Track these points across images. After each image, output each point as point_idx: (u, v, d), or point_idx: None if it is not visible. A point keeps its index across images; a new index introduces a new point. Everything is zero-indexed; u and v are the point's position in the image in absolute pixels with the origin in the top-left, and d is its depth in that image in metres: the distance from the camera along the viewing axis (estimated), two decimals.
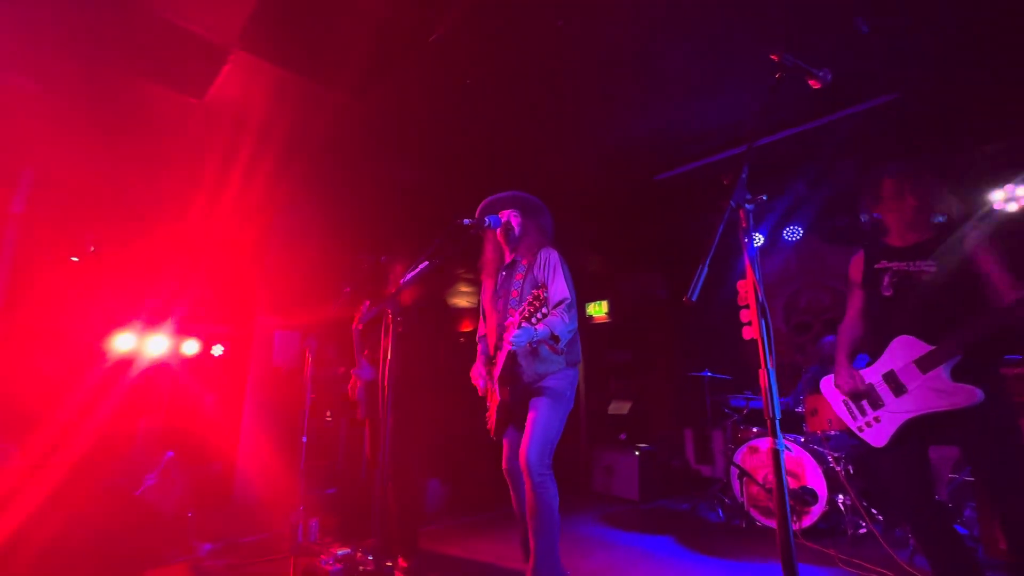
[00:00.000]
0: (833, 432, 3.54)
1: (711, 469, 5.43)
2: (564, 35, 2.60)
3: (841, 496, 3.38)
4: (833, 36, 2.80)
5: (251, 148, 3.43)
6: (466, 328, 7.03)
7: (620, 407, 5.97)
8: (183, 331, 4.35)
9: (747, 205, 1.13)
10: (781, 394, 4.45)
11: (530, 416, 2.21)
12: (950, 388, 1.80)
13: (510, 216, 2.45)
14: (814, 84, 1.44)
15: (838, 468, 3.35)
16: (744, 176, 1.13)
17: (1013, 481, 1.71)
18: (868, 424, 2.04)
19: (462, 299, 6.90)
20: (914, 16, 2.69)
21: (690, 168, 4.37)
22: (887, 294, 2.02)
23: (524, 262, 2.40)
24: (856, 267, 2.21)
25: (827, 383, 2.24)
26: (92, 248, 4.30)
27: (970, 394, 1.76)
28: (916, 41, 2.89)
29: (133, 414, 3.97)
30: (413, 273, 2.05)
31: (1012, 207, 3.70)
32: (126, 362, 4.01)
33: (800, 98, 3.35)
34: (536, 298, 1.90)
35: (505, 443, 2.40)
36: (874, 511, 3.40)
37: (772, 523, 3.54)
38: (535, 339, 2.09)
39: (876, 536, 3.09)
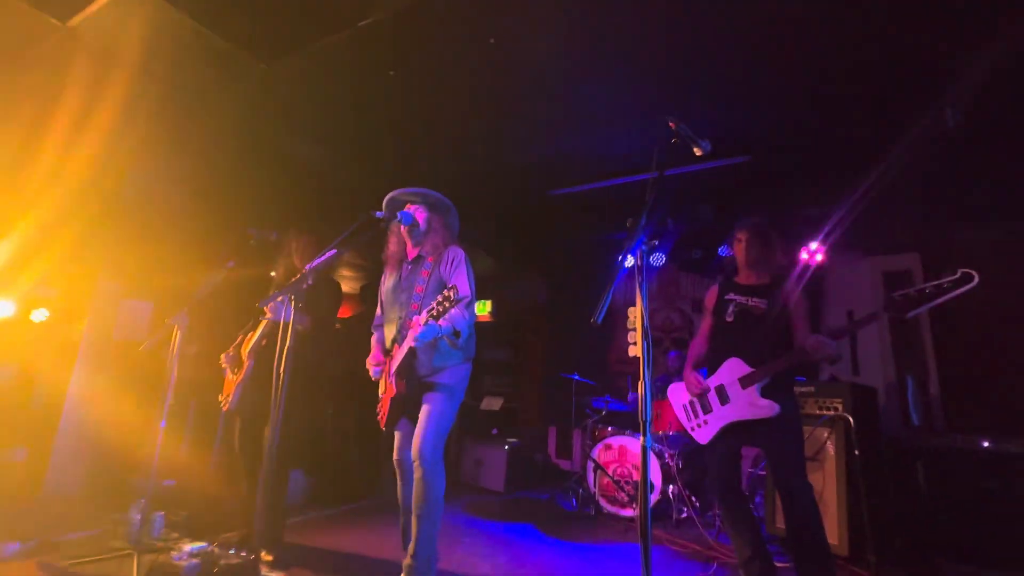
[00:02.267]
0: (671, 433, 4.19)
1: (569, 463, 5.98)
2: (493, 52, 2.74)
3: (672, 486, 4.01)
4: (709, 104, 3.35)
5: (120, 90, 2.96)
6: (344, 315, 6.77)
7: (493, 403, 6.27)
8: None
9: (643, 246, 1.37)
10: (629, 400, 5.12)
11: (424, 409, 2.29)
12: (758, 402, 2.33)
13: (416, 211, 2.49)
14: (697, 151, 1.78)
15: (672, 463, 3.98)
16: (644, 222, 1.37)
17: (792, 472, 2.27)
18: (698, 425, 2.56)
19: (343, 284, 6.62)
20: (762, 100, 3.34)
21: (583, 189, 4.79)
22: (729, 320, 2.53)
23: (430, 259, 2.45)
24: (711, 297, 2.71)
25: (674, 390, 2.72)
26: None
27: (771, 408, 2.29)
28: (763, 118, 3.58)
29: None
30: (320, 260, 2.01)
31: (817, 258, 4.74)
32: None
33: (674, 146, 3.91)
34: (446, 298, 1.98)
35: (397, 435, 2.45)
36: (694, 499, 4.10)
37: (617, 510, 4.07)
38: (439, 335, 2.19)
39: (694, 519, 3.75)
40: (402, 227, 2.47)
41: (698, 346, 2.70)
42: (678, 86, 3.16)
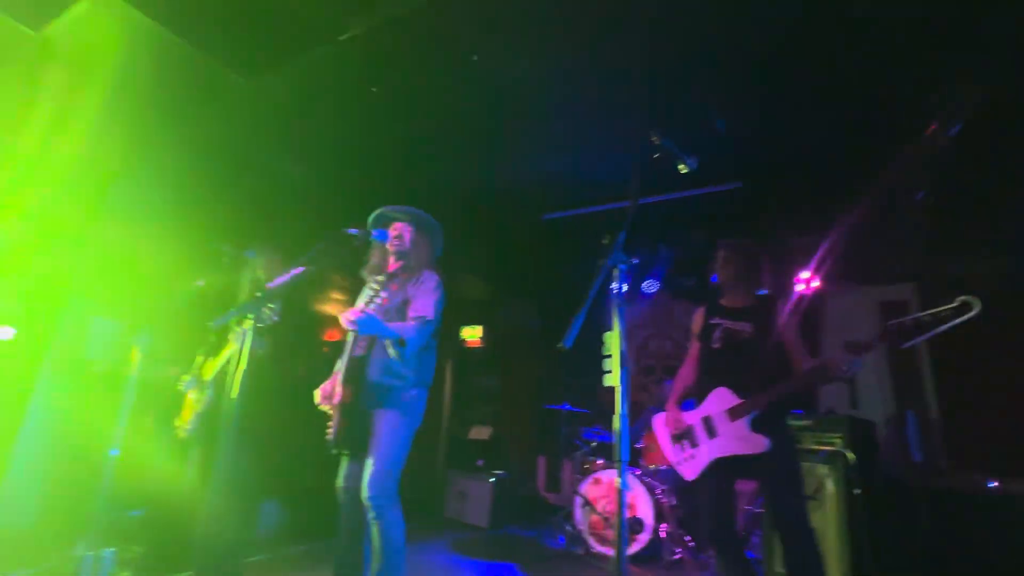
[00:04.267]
0: (663, 467, 3.99)
1: (557, 497, 5.72)
2: (478, 69, 2.69)
3: (664, 525, 3.79)
4: (701, 128, 3.31)
5: (95, 101, 2.89)
6: (332, 338, 6.60)
7: (481, 432, 6.04)
8: None
9: (621, 266, 1.26)
10: None
11: (373, 437, 2.12)
12: (748, 436, 2.16)
13: (403, 229, 2.41)
14: (682, 168, 1.69)
15: (664, 500, 3.78)
16: (621, 240, 1.26)
17: (791, 513, 2.11)
18: (686, 459, 2.38)
19: (333, 306, 6.48)
20: (754, 126, 3.30)
21: (576, 213, 4.73)
22: (716, 347, 2.38)
23: (404, 275, 2.37)
24: (697, 320, 2.56)
25: (658, 421, 2.56)
26: None
27: (760, 443, 2.12)
28: (755, 145, 3.54)
29: None
30: (285, 278, 1.89)
31: (803, 288, 4.65)
32: None
33: (667, 172, 3.86)
34: (379, 283, 1.88)
35: (346, 457, 2.26)
36: (687, 538, 3.88)
37: (607, 550, 3.83)
38: (381, 334, 2.06)
39: (687, 561, 3.53)
40: (387, 243, 2.38)
41: (685, 375, 2.55)
42: (669, 109, 3.11)
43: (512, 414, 6.36)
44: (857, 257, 4.35)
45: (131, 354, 2.66)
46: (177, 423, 2.81)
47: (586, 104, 3.11)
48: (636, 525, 3.74)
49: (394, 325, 2.04)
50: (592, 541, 3.93)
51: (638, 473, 4.01)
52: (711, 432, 2.28)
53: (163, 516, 3.55)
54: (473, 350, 6.62)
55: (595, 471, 4.17)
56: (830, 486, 3.10)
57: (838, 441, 3.15)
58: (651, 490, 3.87)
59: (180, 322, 3.04)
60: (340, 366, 2.40)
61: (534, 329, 6.67)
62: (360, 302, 2.38)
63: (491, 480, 4.84)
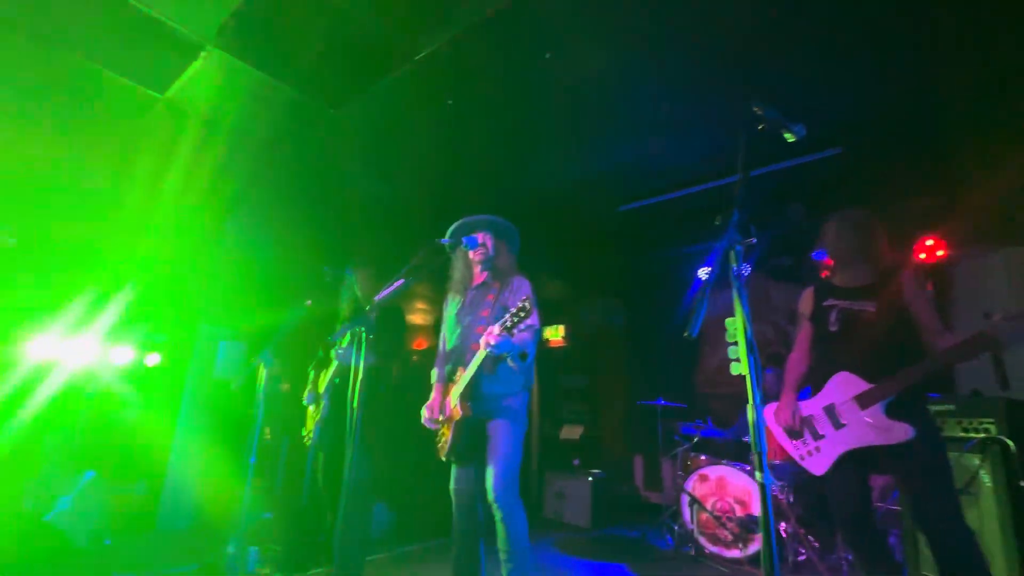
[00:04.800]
0: (777, 461, 3.71)
1: (659, 496, 5.54)
2: (549, 67, 2.68)
3: (783, 524, 3.53)
4: (790, 94, 3.05)
5: (211, 147, 3.26)
6: (419, 346, 6.89)
7: (572, 432, 6.00)
8: (114, 337, 3.99)
9: (737, 247, 1.18)
10: (726, 425, 4.65)
11: (491, 445, 2.17)
12: (885, 425, 1.94)
13: (485, 238, 2.46)
14: (789, 137, 1.56)
15: (781, 496, 3.51)
16: (735, 218, 1.19)
17: (943, 512, 1.85)
18: (809, 453, 2.17)
19: (417, 316, 6.78)
20: (851, 83, 2.98)
21: (653, 202, 4.56)
22: (833, 330, 2.16)
23: (496, 284, 2.41)
24: (806, 302, 2.34)
25: (769, 412, 2.34)
26: (12, 241, 3.90)
27: (904, 431, 1.89)
28: (858, 104, 3.20)
29: (50, 429, 3.57)
30: (389, 291, 2.00)
31: (926, 256, 4.12)
32: (45, 369, 3.62)
33: (763, 136, 3.61)
34: (521, 309, 1.92)
35: (456, 467, 2.34)
36: (810, 538, 3.57)
37: (721, 550, 3.63)
38: (510, 352, 2.09)
39: (814, 561, 3.25)
40: (469, 252, 2.45)
41: (797, 360, 2.33)
42: (752, 75, 2.88)
43: (603, 412, 6.26)
44: (989, 215, 3.79)
45: (257, 372, 2.94)
46: (303, 432, 3.07)
47: (660, 86, 2.99)
48: (753, 524, 3.52)
49: (517, 339, 2.08)
50: (704, 541, 3.74)
51: (748, 469, 3.77)
52: (836, 422, 2.07)
53: (293, 518, 3.89)
54: (557, 350, 6.61)
55: (700, 467, 3.98)
56: (986, 479, 2.72)
57: (991, 427, 2.75)
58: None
59: (293, 341, 3.31)
60: (437, 377, 2.49)
61: (619, 324, 6.52)
62: (455, 314, 2.45)
63: (589, 479, 4.79)
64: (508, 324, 1.96)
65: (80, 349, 3.81)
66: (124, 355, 4.00)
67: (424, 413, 2.43)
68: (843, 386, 2.07)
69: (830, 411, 2.10)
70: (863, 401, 2.00)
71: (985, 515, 2.66)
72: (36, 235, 3.81)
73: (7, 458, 3.26)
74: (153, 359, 4.17)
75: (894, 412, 1.94)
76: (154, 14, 2.34)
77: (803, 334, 2.35)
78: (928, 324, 1.99)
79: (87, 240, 3.79)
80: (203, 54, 2.55)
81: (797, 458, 2.23)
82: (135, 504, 3.87)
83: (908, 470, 1.94)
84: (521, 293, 2.32)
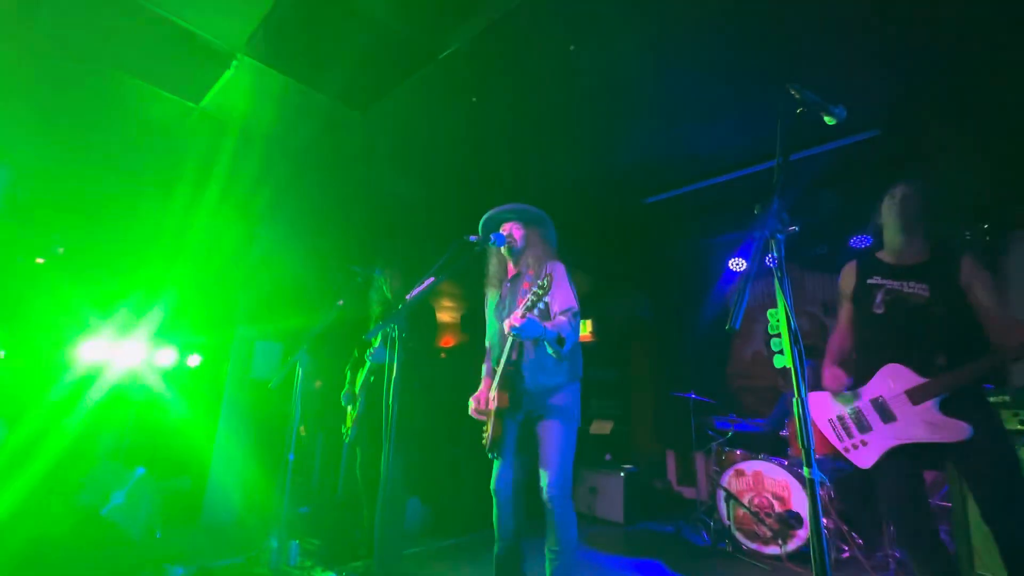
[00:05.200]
0: (817, 455, 3.60)
1: (694, 491, 5.45)
2: (572, 59, 2.65)
3: (824, 519, 3.42)
4: (822, 74, 2.94)
5: (244, 154, 3.35)
6: (447, 344, 6.95)
7: (602, 427, 5.96)
8: (158, 340, 4.16)
9: (778, 235, 1.15)
10: (761, 418, 4.54)
11: (544, 441, 2.14)
12: (940, 422, 1.82)
13: (512, 228, 2.43)
14: (829, 120, 1.50)
15: (822, 492, 3.41)
16: (775, 206, 1.15)
17: (1013, 506, 1.73)
18: (855, 446, 2.05)
19: (444, 314, 6.84)
20: (887, 62, 2.85)
21: (679, 193, 4.47)
22: (878, 312, 2.02)
23: (530, 272, 2.35)
24: (848, 278, 2.19)
25: (815, 402, 2.19)
26: (60, 250, 4.10)
27: (960, 430, 1.78)
28: (896, 83, 3.05)
29: (102, 427, 3.75)
30: (420, 289, 2.01)
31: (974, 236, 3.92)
32: (96, 372, 3.81)
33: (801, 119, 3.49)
34: (539, 287, 1.87)
35: (498, 462, 2.31)
36: (854, 535, 3.46)
37: (759, 547, 3.56)
38: (544, 337, 2.02)
39: (859, 559, 3.15)
40: (501, 248, 2.43)
41: (839, 339, 2.17)
42: (780, 58, 2.78)
43: (633, 406, 6.20)
44: None
45: (293, 371, 3.02)
46: (343, 430, 3.15)
47: (686, 73, 2.91)
48: (792, 520, 3.43)
49: (551, 324, 2.03)
50: (741, 537, 3.67)
51: (786, 464, 3.68)
52: (887, 416, 1.96)
53: (330, 512, 4.00)
54: (585, 344, 6.55)
55: (735, 462, 3.90)
56: None
57: None
58: (804, 481, 3.52)
59: (326, 340, 3.38)
60: (486, 372, 2.50)
61: (646, 318, 6.44)
62: (494, 308, 2.45)
63: (621, 474, 4.75)
64: (529, 304, 1.91)
65: (127, 352, 3.99)
66: (168, 357, 4.17)
67: (471, 404, 2.44)
68: (892, 379, 1.94)
69: (879, 404, 1.98)
70: (915, 397, 1.88)
71: None
72: (83, 244, 4.00)
73: (63, 456, 3.44)
74: (194, 360, 4.34)
75: (950, 409, 1.82)
76: (185, 24, 2.42)
77: (844, 312, 2.21)
78: (993, 314, 1.84)
79: (131, 247, 3.96)
80: (234, 63, 2.63)
81: (841, 450, 2.12)
82: (182, 499, 4.03)
83: (973, 467, 1.82)
84: (556, 277, 2.23)
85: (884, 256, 2.12)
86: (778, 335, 1.07)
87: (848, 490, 3.56)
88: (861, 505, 3.54)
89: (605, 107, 3.23)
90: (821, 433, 2.25)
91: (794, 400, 1.05)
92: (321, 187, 3.75)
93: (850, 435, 2.08)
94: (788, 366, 1.07)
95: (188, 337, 4.23)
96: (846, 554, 3.35)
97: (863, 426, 2.04)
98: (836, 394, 2.11)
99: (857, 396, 2.06)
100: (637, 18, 2.42)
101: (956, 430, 1.79)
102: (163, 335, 4.10)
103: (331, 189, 3.79)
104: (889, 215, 2.06)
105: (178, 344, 4.30)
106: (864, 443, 2.04)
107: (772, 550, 3.48)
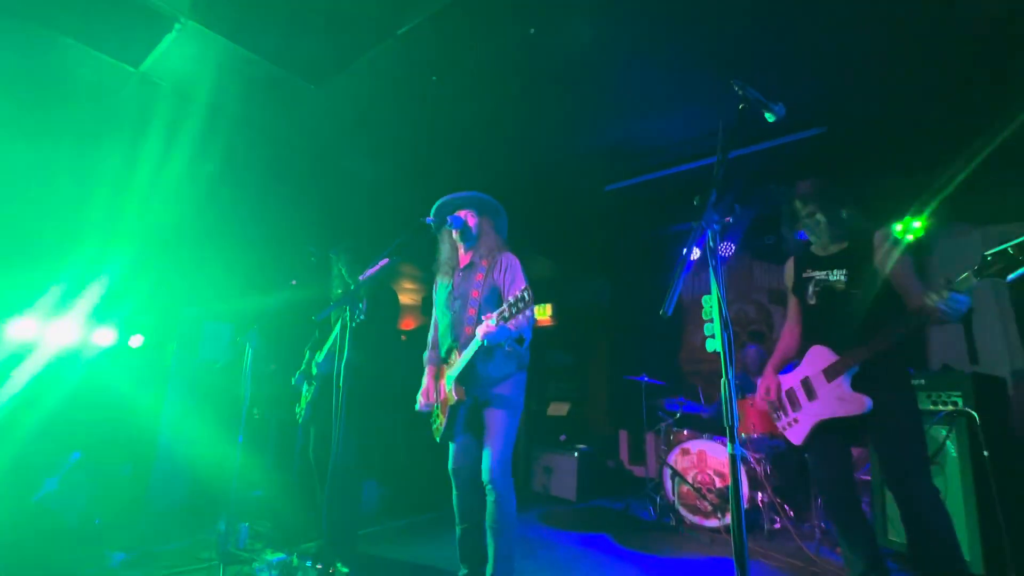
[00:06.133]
0: (755, 434, 3.84)
1: (643, 469, 5.69)
2: (533, 43, 2.64)
3: (760, 494, 3.66)
4: (775, 71, 3.05)
5: (189, 125, 3.17)
6: (407, 327, 6.90)
7: (559, 408, 6.11)
8: (97, 318, 3.94)
9: (714, 226, 1.21)
10: (707, 402, 4.77)
11: (488, 428, 2.21)
12: (848, 396, 1.99)
13: (467, 216, 2.44)
14: (769, 117, 1.57)
15: (758, 468, 3.64)
16: (713, 199, 1.21)
17: (907, 472, 1.89)
18: (790, 424, 2.24)
19: (405, 295, 6.77)
20: (835, 63, 2.99)
21: (640, 181, 4.57)
22: (812, 303, 2.19)
23: (484, 263, 2.39)
24: (788, 273, 2.38)
25: (760, 387, 2.41)
26: None
27: (861, 403, 1.94)
28: (842, 83, 3.21)
29: (31, 410, 3.54)
30: (374, 269, 2.00)
31: (909, 238, 4.20)
32: (26, 351, 3.57)
33: (743, 116, 3.61)
34: (519, 299, 1.90)
35: (453, 445, 2.36)
36: (786, 507, 3.72)
37: (700, 520, 3.77)
38: (508, 339, 2.10)
39: (789, 530, 3.40)
40: (453, 232, 2.43)
41: (787, 335, 2.38)
42: (739, 55, 2.87)
43: (589, 389, 6.37)
44: (967, 194, 3.87)
45: (243, 352, 2.94)
46: (297, 410, 3.09)
47: (646, 64, 2.96)
48: None
49: (513, 324, 2.06)
50: (684, 512, 3.88)
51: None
52: (811, 394, 2.13)
53: (282, 495, 3.94)
54: (544, 328, 6.66)
55: (682, 442, 4.09)
56: (952, 450, 2.85)
57: (959, 400, 2.87)
58: (744, 459, 3.74)
59: (279, 321, 3.30)
60: (430, 360, 2.51)
61: (604, 303, 6.59)
62: (445, 297, 2.44)
63: (575, 454, 4.90)
64: (506, 315, 1.95)
65: (60, 331, 3.76)
66: (106, 337, 3.96)
67: (420, 399, 2.45)
68: (816, 358, 2.12)
69: (806, 383, 2.16)
70: (830, 374, 2.05)
71: (950, 483, 2.81)
72: (9, 216, 3.71)
73: None
74: (137, 340, 4.13)
75: (859, 384, 1.98)
76: None
77: (791, 307, 2.39)
78: (902, 281, 1.97)
79: (63, 220, 3.70)
80: (177, 26, 2.47)
81: (780, 428, 2.31)
82: (124, 483, 3.88)
83: (878, 435, 1.99)
84: (512, 270, 2.31)
85: (816, 249, 2.28)
86: (711, 320, 1.13)
87: (783, 466, 3.81)
88: (794, 480, 3.80)
89: (567, 92, 3.24)
90: (762, 413, 2.42)
91: (722, 381, 1.12)
92: (275, 163, 3.61)
93: (787, 414, 2.26)
94: (719, 350, 1.14)
95: (130, 316, 4.02)
96: (777, 525, 3.60)
97: (796, 405, 2.21)
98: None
99: (792, 378, 2.23)
100: (595, 7, 2.44)
101: (857, 403, 1.95)
102: (102, 314, 3.88)
103: (286, 165, 3.65)
104: (804, 221, 2.22)
105: (118, 323, 4.08)
106: (796, 421, 2.22)
107: (712, 523, 3.70)
